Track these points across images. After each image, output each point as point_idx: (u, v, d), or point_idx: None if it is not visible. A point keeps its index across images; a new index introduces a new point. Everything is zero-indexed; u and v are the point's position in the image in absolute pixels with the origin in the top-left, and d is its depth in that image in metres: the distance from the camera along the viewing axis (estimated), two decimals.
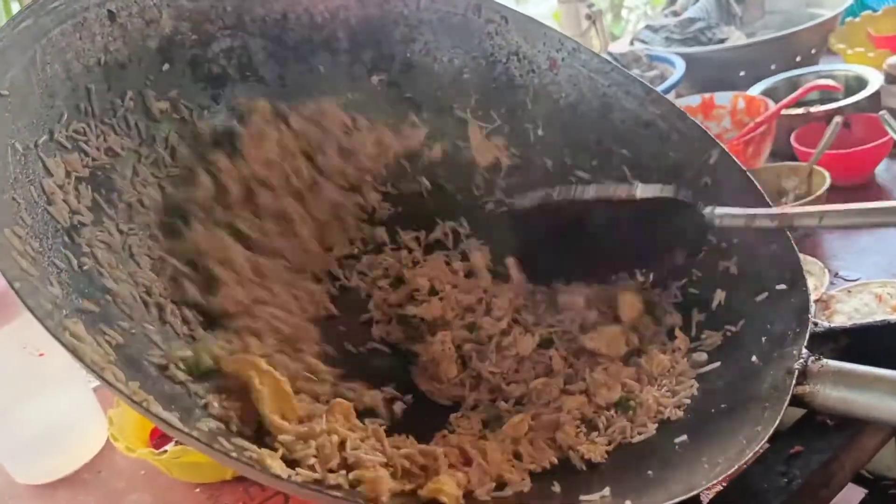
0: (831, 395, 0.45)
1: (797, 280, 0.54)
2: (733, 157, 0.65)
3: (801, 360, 0.46)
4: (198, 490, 0.73)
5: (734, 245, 0.61)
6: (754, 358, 0.51)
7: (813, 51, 1.28)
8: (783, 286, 0.55)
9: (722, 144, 0.66)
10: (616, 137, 0.71)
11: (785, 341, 0.49)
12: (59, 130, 0.50)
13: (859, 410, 0.44)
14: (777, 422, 0.42)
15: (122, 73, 0.57)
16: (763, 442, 0.41)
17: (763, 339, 0.52)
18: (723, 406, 0.48)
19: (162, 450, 0.72)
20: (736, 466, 0.40)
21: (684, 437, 0.48)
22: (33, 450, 0.78)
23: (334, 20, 0.71)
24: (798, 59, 1.25)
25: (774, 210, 0.57)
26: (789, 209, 0.61)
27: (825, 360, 0.46)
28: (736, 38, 1.33)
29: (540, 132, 0.73)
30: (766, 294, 0.55)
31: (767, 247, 0.59)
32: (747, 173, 0.64)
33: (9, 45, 0.48)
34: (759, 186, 0.62)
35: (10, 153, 0.46)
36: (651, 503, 0.41)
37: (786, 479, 0.45)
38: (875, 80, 1.08)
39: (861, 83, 1.09)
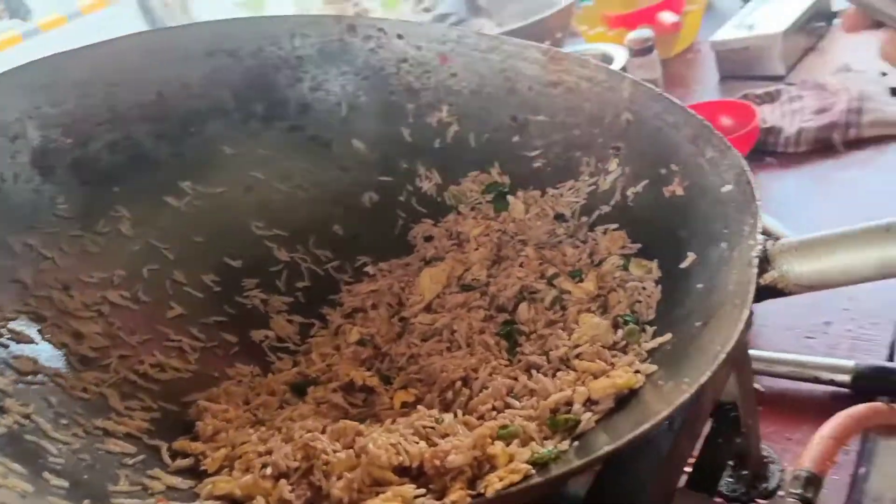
0: (802, 271, 0.40)
1: (741, 177, 0.50)
2: (647, 84, 0.62)
3: (759, 247, 0.41)
4: None
5: (679, 170, 0.57)
6: (721, 266, 0.46)
7: (559, 34, 1.37)
8: (730, 187, 0.50)
9: (630, 76, 0.63)
10: (530, 106, 0.68)
11: (741, 238, 0.45)
12: None
13: (838, 276, 0.40)
14: (745, 318, 0.38)
15: None
16: (734, 340, 0.36)
17: (722, 244, 0.47)
18: (699, 323, 0.44)
19: None
20: (713, 367, 0.35)
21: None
22: None
23: (213, 84, 0.69)
24: (548, 43, 1.30)
25: None
26: None
27: (783, 240, 0.41)
28: (488, 29, 1.42)
29: (456, 127, 0.70)
30: (715, 200, 0.51)
31: (706, 155, 0.55)
32: (665, 95, 0.61)
33: None
34: (677, 101, 0.59)
35: None
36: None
37: (667, 423, 0.45)
38: (620, 56, 1.20)
39: (607, 59, 1.19)
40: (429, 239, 0.67)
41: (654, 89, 0.61)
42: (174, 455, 0.46)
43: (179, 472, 0.44)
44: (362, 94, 0.72)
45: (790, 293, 0.41)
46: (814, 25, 1.34)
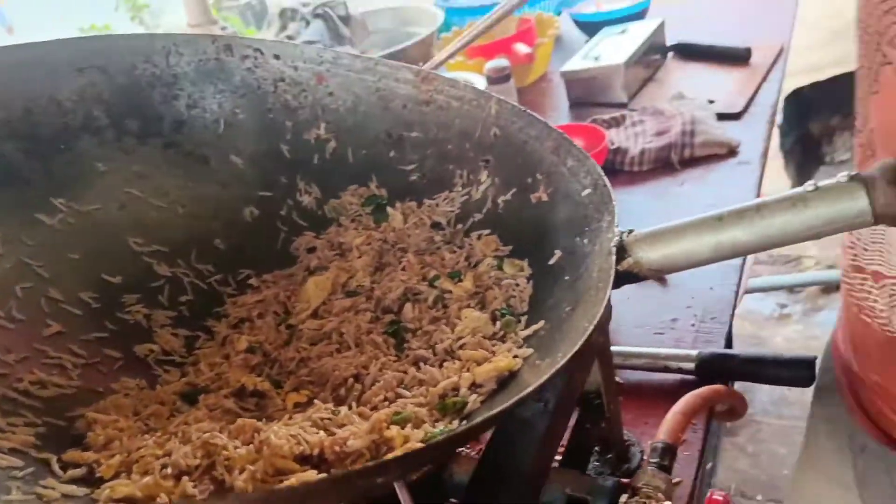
0: (654, 257, 0.46)
1: (598, 181, 0.56)
2: (510, 102, 0.68)
3: (616, 238, 0.47)
4: None
5: (543, 178, 0.63)
6: (585, 259, 0.52)
7: (421, 63, 1.48)
8: (588, 191, 0.57)
9: (495, 95, 0.69)
10: (403, 123, 0.72)
11: (600, 233, 0.51)
12: None
13: (682, 261, 0.46)
14: (607, 295, 0.43)
15: None
16: (598, 316, 0.41)
17: (584, 240, 0.53)
18: (568, 308, 0.49)
19: None
20: (582, 340, 0.40)
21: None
22: None
23: (84, 100, 0.68)
24: None
25: None
26: None
27: (636, 231, 0.47)
28: None
29: (333, 143, 0.73)
30: (576, 203, 0.57)
31: (567, 164, 0.61)
32: (527, 111, 0.67)
33: None
34: (538, 116, 0.65)
35: None
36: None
37: (542, 404, 0.52)
38: (479, 84, 1.28)
39: None
40: (311, 250, 0.69)
41: (517, 106, 0.67)
42: (65, 467, 0.45)
43: (73, 482, 0.44)
44: (240, 112, 0.73)
45: (645, 277, 0.47)
46: (651, 58, 1.48)
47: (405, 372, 0.51)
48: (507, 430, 0.52)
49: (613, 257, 0.46)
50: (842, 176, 0.43)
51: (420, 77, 0.73)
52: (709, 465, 0.73)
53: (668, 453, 0.58)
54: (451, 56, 1.15)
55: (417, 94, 0.72)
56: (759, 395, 2.14)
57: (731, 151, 1.18)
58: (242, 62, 0.74)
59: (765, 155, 1.18)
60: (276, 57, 0.74)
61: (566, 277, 0.53)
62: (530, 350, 0.49)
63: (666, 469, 0.57)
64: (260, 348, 0.59)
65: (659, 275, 0.47)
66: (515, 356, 0.48)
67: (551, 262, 0.56)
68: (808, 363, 0.73)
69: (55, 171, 0.65)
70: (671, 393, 0.77)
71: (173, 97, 0.72)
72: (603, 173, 0.56)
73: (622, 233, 0.48)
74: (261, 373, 0.57)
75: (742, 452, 1.99)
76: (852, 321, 0.71)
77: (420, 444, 0.42)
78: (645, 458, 0.68)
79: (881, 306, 0.63)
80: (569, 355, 0.39)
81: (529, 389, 0.37)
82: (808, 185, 0.43)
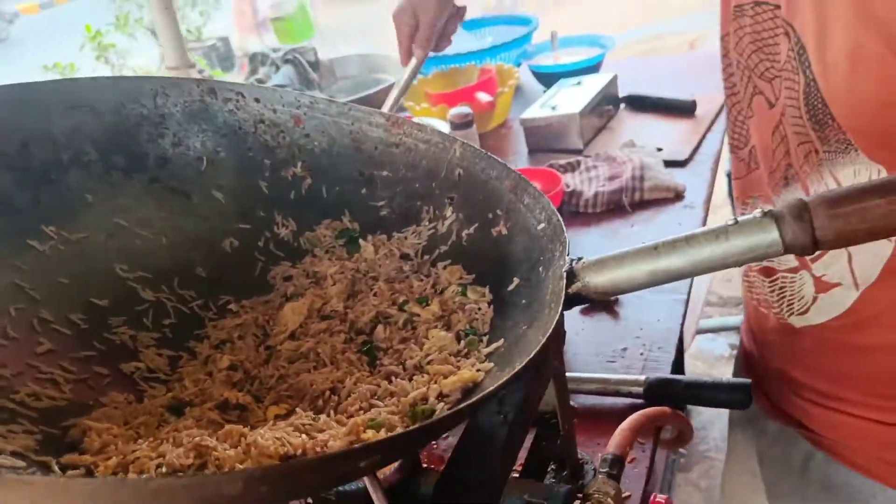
0: (599, 281, 0.53)
1: (552, 217, 0.63)
2: (472, 146, 0.75)
3: (567, 266, 0.54)
4: None
5: (503, 214, 0.69)
6: (539, 285, 0.58)
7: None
8: (543, 225, 0.63)
9: (459, 139, 0.75)
10: (374, 163, 0.78)
11: (553, 261, 0.57)
12: None
13: (624, 284, 0.52)
14: (558, 314, 0.49)
15: None
16: (550, 331, 0.47)
17: (539, 268, 0.59)
18: (524, 327, 0.55)
19: None
20: (536, 350, 0.46)
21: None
22: None
23: (77, 136, 0.72)
24: None
25: None
26: None
27: (584, 259, 0.54)
28: None
29: (309, 181, 0.79)
30: (532, 236, 0.63)
31: (524, 201, 0.67)
32: (488, 153, 0.73)
33: None
34: (498, 159, 0.72)
35: None
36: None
37: (502, 416, 0.57)
38: (443, 129, 1.35)
39: None
40: (288, 278, 0.74)
41: (479, 149, 0.74)
42: (64, 468, 0.49)
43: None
44: (222, 150, 0.79)
45: (592, 300, 0.53)
46: (604, 108, 1.57)
47: (378, 385, 0.56)
48: (470, 442, 0.58)
49: (564, 281, 0.52)
50: (756, 212, 0.50)
51: (391, 122, 0.79)
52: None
53: (616, 464, 0.64)
54: (396, 103, 1.24)
55: (388, 137, 0.79)
56: (712, 432, 2.21)
57: (678, 195, 1.27)
58: (225, 104, 0.79)
59: (708, 200, 1.27)
60: (257, 100, 0.80)
61: (523, 301, 0.59)
62: (491, 364, 0.55)
63: (615, 478, 0.63)
64: (241, 366, 0.63)
65: (605, 297, 0.54)
66: (478, 370, 0.54)
67: (510, 288, 0.62)
68: (745, 386, 0.79)
69: (46, 200, 0.69)
70: (621, 415, 0.82)
71: (159, 136, 0.77)
72: (556, 210, 0.63)
73: (572, 260, 0.54)
74: (242, 388, 0.61)
75: (696, 488, 2.05)
76: (752, 315, 0.80)
77: (395, 433, 0.47)
78: (596, 468, 0.74)
79: (775, 298, 0.72)
80: (524, 362, 0.45)
81: (489, 390, 0.43)
82: (730, 221, 0.50)
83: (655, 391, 0.84)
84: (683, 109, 1.54)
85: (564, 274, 0.53)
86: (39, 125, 0.71)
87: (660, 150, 1.41)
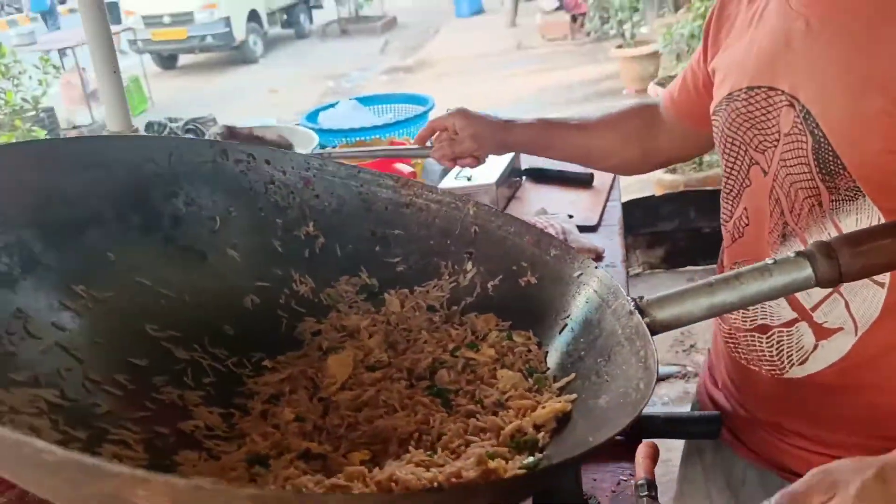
0: (663, 316, 0.60)
1: (587, 266, 0.70)
2: (486, 205, 0.81)
3: (632, 302, 0.61)
4: None
5: (529, 266, 0.75)
6: (597, 319, 0.65)
7: None
8: (579, 272, 0.70)
9: (473, 199, 0.82)
10: (386, 223, 0.82)
11: (612, 299, 0.64)
12: None
13: (685, 318, 0.60)
14: (652, 344, 0.56)
15: None
16: (657, 359, 0.54)
17: (591, 309, 0.66)
18: (600, 360, 0.61)
19: None
20: (654, 381, 0.52)
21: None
22: None
23: (92, 194, 0.70)
24: None
25: None
26: None
27: (645, 297, 0.61)
28: None
29: (322, 239, 0.81)
30: (568, 281, 0.70)
31: (550, 254, 0.74)
32: (503, 212, 0.80)
33: None
34: (515, 217, 0.78)
35: None
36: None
37: None
38: None
39: None
40: (316, 333, 0.75)
41: (493, 208, 0.80)
42: None
43: None
44: (234, 210, 0.79)
45: (656, 332, 0.61)
46: (512, 179, 1.70)
47: (466, 423, 0.59)
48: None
49: (637, 317, 0.59)
50: (790, 253, 0.60)
51: (400, 183, 0.84)
52: None
53: (652, 487, 0.70)
54: None
55: (398, 198, 0.83)
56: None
57: (598, 256, 1.39)
58: (236, 165, 0.80)
59: (626, 259, 1.40)
60: (267, 162, 0.82)
61: (581, 340, 0.65)
62: (574, 395, 0.60)
63: (654, 499, 0.69)
64: (305, 418, 0.63)
65: (668, 330, 0.61)
66: (565, 401, 0.59)
67: (560, 331, 0.68)
68: (716, 418, 0.89)
69: (70, 258, 0.67)
70: (607, 452, 0.89)
71: (173, 195, 0.76)
72: (592, 261, 0.71)
73: (633, 299, 0.61)
74: (312, 439, 0.62)
75: None
76: (739, 373, 0.89)
77: (523, 470, 0.51)
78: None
79: (773, 353, 0.81)
80: (651, 385, 0.51)
81: (632, 418, 0.49)
82: (769, 260, 0.60)
83: (636, 427, 0.92)
84: (583, 181, 1.70)
85: (635, 310, 0.60)
86: (60, 182, 0.68)
87: (571, 216, 1.54)
